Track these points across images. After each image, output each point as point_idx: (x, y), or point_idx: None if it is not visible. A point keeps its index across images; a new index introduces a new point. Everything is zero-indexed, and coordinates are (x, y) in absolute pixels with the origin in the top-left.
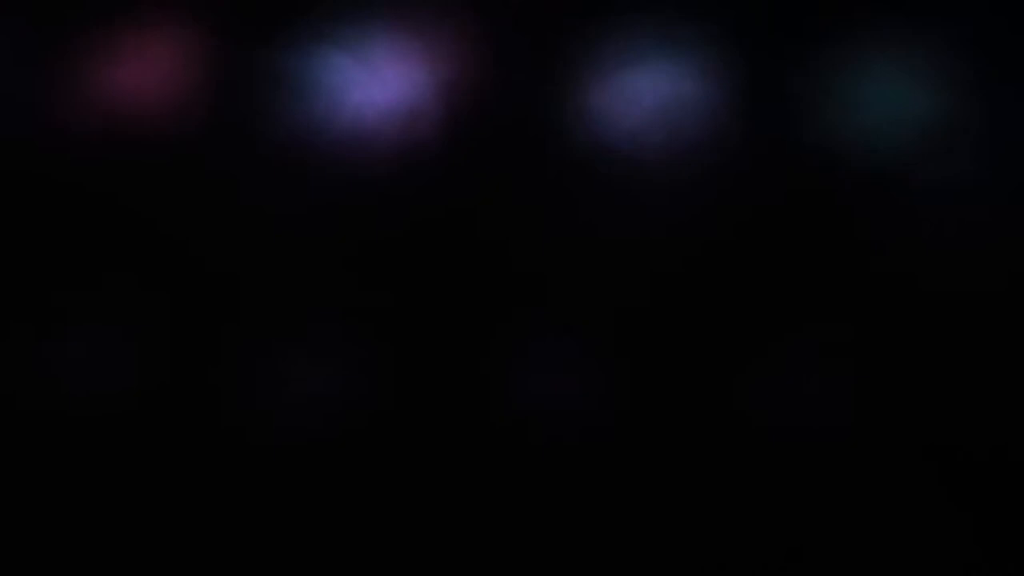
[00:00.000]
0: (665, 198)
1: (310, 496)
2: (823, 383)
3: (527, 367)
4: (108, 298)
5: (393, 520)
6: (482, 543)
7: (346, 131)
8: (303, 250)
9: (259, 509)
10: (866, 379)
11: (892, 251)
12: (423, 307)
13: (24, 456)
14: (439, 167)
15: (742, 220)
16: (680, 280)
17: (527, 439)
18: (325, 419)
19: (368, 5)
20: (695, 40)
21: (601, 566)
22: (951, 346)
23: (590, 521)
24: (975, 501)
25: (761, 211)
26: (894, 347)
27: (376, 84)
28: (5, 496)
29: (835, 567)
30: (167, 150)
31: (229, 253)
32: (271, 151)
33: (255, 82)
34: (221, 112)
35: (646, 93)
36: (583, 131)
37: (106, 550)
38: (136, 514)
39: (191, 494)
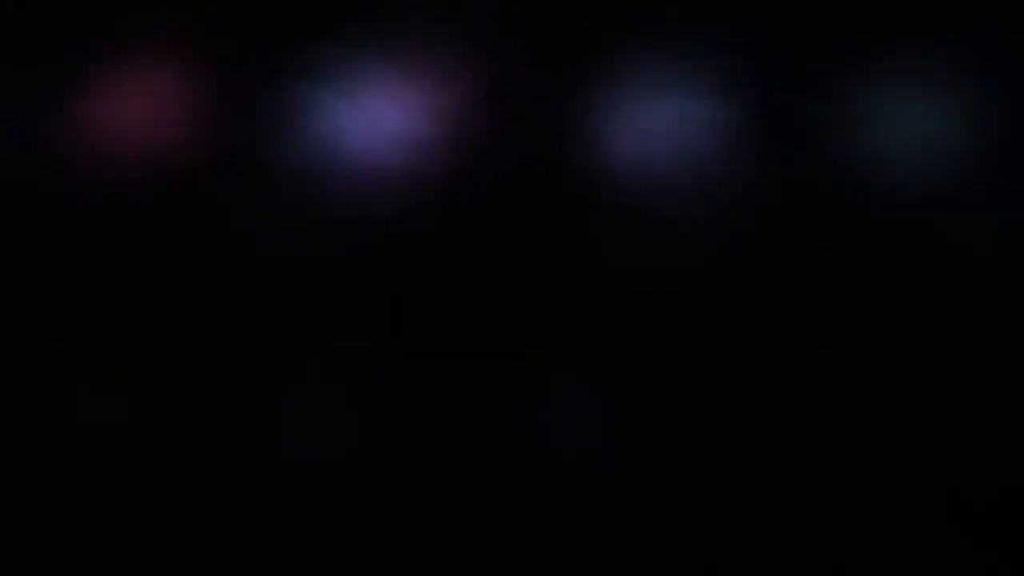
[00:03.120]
0: (681, 229)
1: (325, 540)
2: (842, 419)
3: (541, 403)
4: (113, 342)
5: (408, 562)
6: None
7: (350, 167)
8: (307, 290)
9: (279, 554)
10: (886, 416)
11: (913, 278)
12: (432, 345)
13: (40, 508)
14: (445, 201)
15: (760, 251)
16: (696, 312)
17: (544, 479)
18: (338, 463)
19: (370, 38)
20: (710, 67)
21: None
22: (976, 382)
23: (607, 559)
24: (989, 539)
25: (779, 241)
26: (917, 381)
27: (379, 118)
28: (23, 548)
29: None
30: (163, 188)
31: (229, 293)
32: (272, 188)
33: (255, 119)
34: (219, 150)
35: (660, 122)
36: (594, 162)
37: None
38: (152, 559)
39: (199, 542)
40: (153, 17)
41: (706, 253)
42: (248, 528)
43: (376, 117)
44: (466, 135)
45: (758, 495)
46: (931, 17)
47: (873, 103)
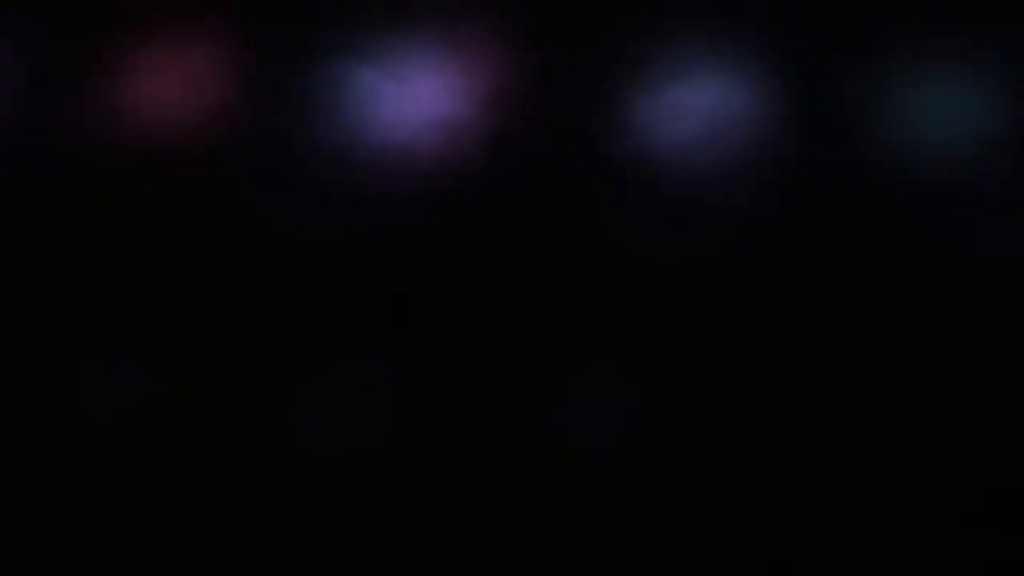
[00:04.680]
0: (712, 215)
1: (340, 531)
2: (867, 414)
3: (563, 393)
4: (134, 320)
5: (422, 554)
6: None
7: (380, 148)
8: (333, 271)
9: (292, 544)
10: (913, 410)
11: (945, 268)
12: (457, 329)
13: (52, 495)
14: (475, 185)
15: (790, 239)
16: (727, 300)
17: (560, 471)
18: (356, 451)
19: (402, 18)
20: (742, 53)
21: None
22: (1005, 375)
23: (621, 555)
24: (1017, 534)
25: (811, 230)
26: (947, 375)
27: (410, 99)
28: (37, 534)
29: None
30: (195, 167)
31: (254, 273)
32: (302, 167)
33: (287, 98)
34: (251, 129)
35: (693, 107)
36: (626, 146)
37: None
38: (163, 552)
39: (216, 529)
40: None
41: (736, 242)
42: (262, 520)
43: (411, 97)
44: (499, 118)
45: (780, 492)
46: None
47: (907, 90)
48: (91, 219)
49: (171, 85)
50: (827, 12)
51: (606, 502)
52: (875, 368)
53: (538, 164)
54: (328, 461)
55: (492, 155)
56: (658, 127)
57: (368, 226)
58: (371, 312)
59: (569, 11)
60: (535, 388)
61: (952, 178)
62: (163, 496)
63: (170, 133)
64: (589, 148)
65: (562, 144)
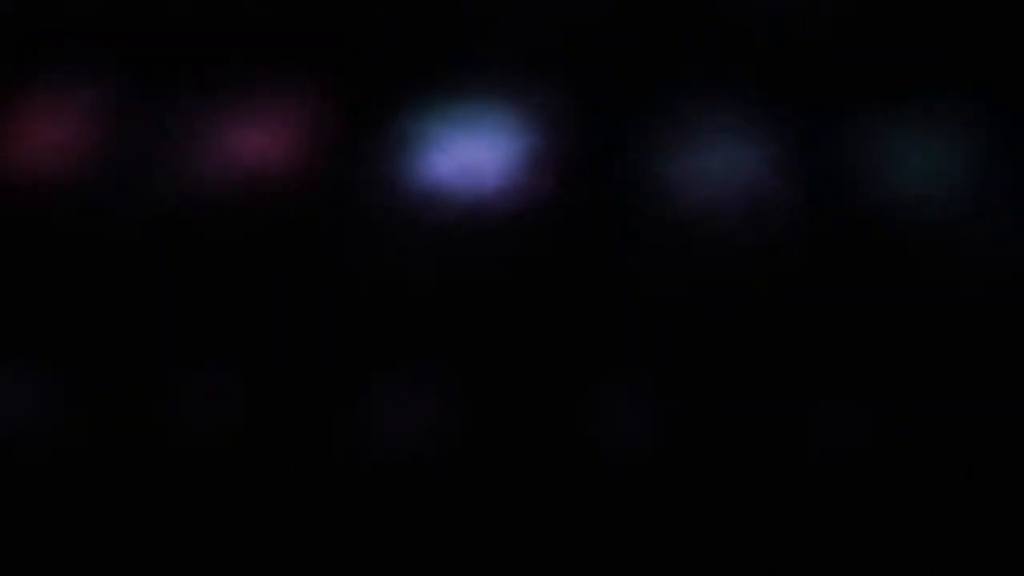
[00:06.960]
0: (731, 255)
1: (393, 525)
2: (865, 435)
3: (607, 411)
4: (221, 344)
5: (469, 549)
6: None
7: (454, 197)
8: (410, 309)
9: (347, 537)
10: (907, 427)
11: (935, 308)
12: (516, 361)
13: (137, 493)
14: (523, 237)
15: (797, 279)
16: (738, 332)
17: (595, 474)
18: (414, 453)
19: (478, 76)
20: (756, 117)
21: None
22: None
23: (640, 553)
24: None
25: (815, 273)
26: (938, 400)
27: (479, 153)
28: (119, 528)
29: None
30: (287, 214)
31: (338, 310)
32: (386, 216)
33: (374, 149)
34: (339, 177)
35: (718, 164)
36: (658, 200)
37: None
38: (240, 545)
39: (288, 526)
40: (278, 54)
41: (748, 272)
42: (327, 508)
43: (470, 153)
44: (557, 172)
45: (800, 493)
46: (954, 66)
47: (899, 144)
48: (190, 260)
49: (264, 136)
50: (829, 76)
51: (645, 505)
52: (879, 382)
53: (580, 215)
54: (400, 466)
55: (546, 208)
56: (686, 181)
57: (442, 262)
58: (442, 339)
59: (612, 79)
60: (581, 404)
61: (946, 223)
62: (238, 495)
63: (263, 182)
64: (622, 199)
65: (604, 195)
